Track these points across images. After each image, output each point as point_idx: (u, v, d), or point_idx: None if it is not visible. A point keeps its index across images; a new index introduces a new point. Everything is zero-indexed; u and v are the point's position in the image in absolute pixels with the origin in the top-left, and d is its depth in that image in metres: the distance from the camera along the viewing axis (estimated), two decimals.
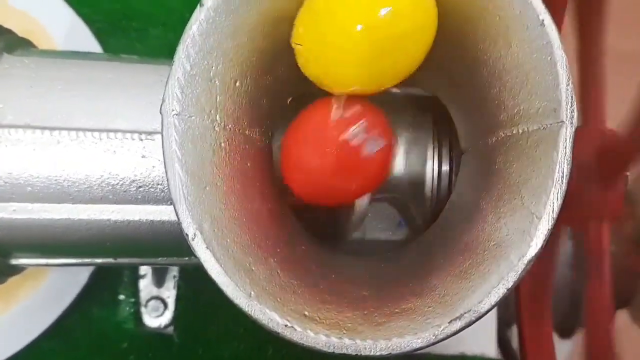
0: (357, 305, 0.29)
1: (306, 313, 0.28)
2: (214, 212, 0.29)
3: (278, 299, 0.28)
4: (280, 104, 0.34)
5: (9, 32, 0.39)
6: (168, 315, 0.50)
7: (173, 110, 0.28)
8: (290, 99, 0.35)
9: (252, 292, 0.27)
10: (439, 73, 0.34)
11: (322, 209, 0.36)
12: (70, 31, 0.51)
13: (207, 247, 0.27)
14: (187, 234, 0.28)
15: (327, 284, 0.30)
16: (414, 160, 0.37)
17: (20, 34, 0.40)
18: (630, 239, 0.54)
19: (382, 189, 0.34)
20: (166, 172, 0.28)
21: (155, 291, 0.50)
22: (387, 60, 0.29)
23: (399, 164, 0.37)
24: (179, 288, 0.50)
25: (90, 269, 0.49)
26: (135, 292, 0.50)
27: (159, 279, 0.50)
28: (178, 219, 0.28)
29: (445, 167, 0.36)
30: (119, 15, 0.54)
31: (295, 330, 0.27)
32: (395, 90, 0.35)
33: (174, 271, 0.50)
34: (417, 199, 0.37)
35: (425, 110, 0.38)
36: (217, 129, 0.30)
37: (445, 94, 0.35)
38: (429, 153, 0.36)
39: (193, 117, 0.29)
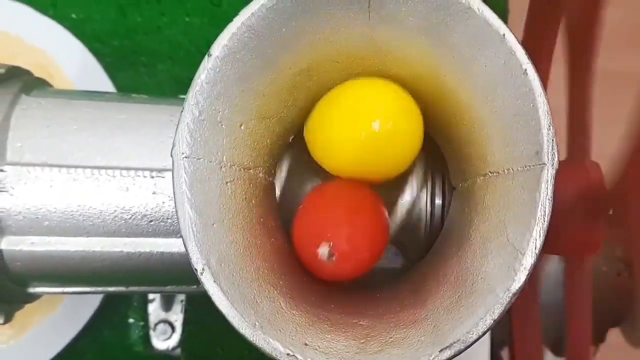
0: (354, 335, 0.31)
1: (307, 342, 0.30)
2: (220, 248, 0.31)
3: (280, 330, 0.30)
4: (283, 143, 0.36)
5: (27, 73, 0.41)
6: (175, 338, 0.52)
7: (183, 153, 0.31)
8: (293, 137, 0.37)
9: (257, 323, 0.29)
10: (431, 117, 0.36)
11: None
12: (82, 66, 0.53)
13: (214, 281, 0.30)
14: (196, 269, 0.30)
15: (327, 314, 0.32)
16: (409, 194, 0.39)
17: (34, 68, 0.42)
18: (621, 259, 0.56)
19: None
20: (176, 211, 0.30)
21: (163, 315, 0.52)
22: (380, 158, 0.34)
23: (394, 197, 0.39)
24: (186, 312, 0.52)
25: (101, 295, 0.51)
26: (144, 315, 0.52)
27: (167, 303, 0.52)
28: (188, 254, 0.30)
29: (438, 201, 0.38)
30: (128, 51, 0.56)
31: (297, 358, 0.29)
32: None
33: (181, 296, 0.52)
34: (412, 231, 0.39)
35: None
36: (223, 169, 0.32)
37: (438, 134, 0.37)
38: (423, 187, 0.38)
39: (201, 159, 0.31)
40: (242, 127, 0.33)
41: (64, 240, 0.37)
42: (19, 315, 0.48)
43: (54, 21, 0.54)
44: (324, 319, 0.32)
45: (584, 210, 0.38)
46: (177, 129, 0.31)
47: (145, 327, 0.52)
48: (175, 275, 0.39)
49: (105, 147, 0.37)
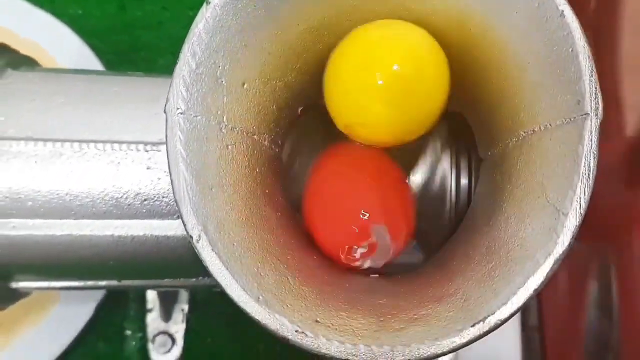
0: (372, 312, 0.27)
1: (318, 319, 0.26)
2: (219, 215, 0.27)
3: (288, 305, 0.26)
4: (290, 113, 0.33)
5: (14, 51, 0.39)
6: (176, 352, 0.48)
7: (178, 108, 0.27)
8: (301, 109, 0.34)
9: (261, 297, 0.26)
10: (456, 79, 0.32)
11: None
12: (79, 62, 0.51)
13: (212, 249, 0.26)
14: (191, 236, 0.26)
15: (341, 292, 0.28)
16: (432, 178, 0.35)
17: None
18: None
19: None
20: (170, 172, 0.27)
21: (162, 326, 0.48)
22: (406, 110, 0.30)
23: (418, 183, 0.35)
24: (187, 322, 0.48)
25: (96, 300, 0.47)
26: (142, 326, 0.48)
27: (167, 313, 0.48)
28: (182, 220, 0.26)
29: (464, 181, 0.35)
30: (127, 47, 0.54)
31: (307, 336, 0.25)
32: None
33: (182, 304, 0.48)
34: (435, 216, 0.35)
35: (441, 124, 0.36)
36: (223, 130, 0.29)
37: (461, 102, 0.34)
38: (447, 168, 0.35)
39: (199, 117, 0.28)
40: (244, 86, 0.30)
41: (49, 223, 0.33)
42: (3, 322, 0.44)
43: (51, 15, 0.51)
44: (338, 296, 0.28)
45: (627, 174, 0.35)
46: (171, 83, 0.28)
47: (143, 339, 0.48)
48: (172, 264, 0.35)
49: (94, 121, 0.34)
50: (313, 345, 0.25)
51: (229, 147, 0.29)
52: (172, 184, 0.27)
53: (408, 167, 0.35)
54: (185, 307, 0.48)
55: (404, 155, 0.35)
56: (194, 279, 0.37)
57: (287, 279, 0.27)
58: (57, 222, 0.33)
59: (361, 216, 0.31)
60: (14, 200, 0.33)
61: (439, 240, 0.36)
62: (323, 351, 0.25)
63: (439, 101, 0.30)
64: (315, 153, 0.35)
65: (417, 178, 0.35)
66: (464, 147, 0.35)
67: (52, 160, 0.33)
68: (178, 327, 0.48)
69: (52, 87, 0.35)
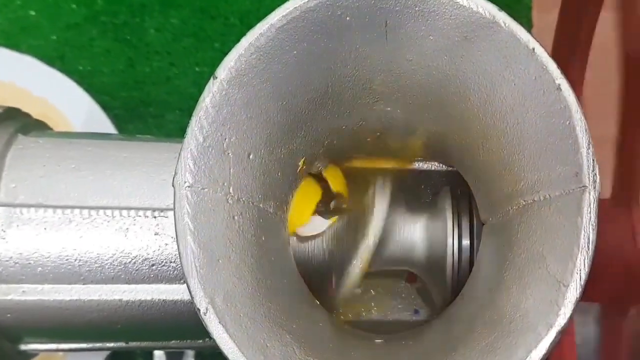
0: None
1: None
2: (227, 286, 0.28)
3: None
4: (295, 177, 0.33)
5: (25, 115, 0.39)
6: None
7: (185, 182, 0.28)
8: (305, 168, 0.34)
9: None
10: (456, 147, 0.33)
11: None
12: (89, 118, 0.51)
13: (219, 322, 0.26)
14: (199, 309, 0.27)
15: None
16: (434, 237, 0.36)
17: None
18: None
19: (401, 262, 0.33)
20: (178, 245, 0.27)
21: None
22: None
23: (419, 242, 0.36)
24: None
25: (103, 356, 0.48)
26: None
27: None
28: (190, 293, 0.27)
29: (466, 242, 0.35)
30: (136, 102, 0.55)
31: None
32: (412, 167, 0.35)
33: (189, 358, 0.48)
34: (438, 276, 0.36)
35: (443, 185, 0.37)
36: (230, 201, 0.29)
37: (463, 166, 0.34)
38: (449, 228, 0.35)
39: (206, 190, 0.28)
40: (250, 157, 0.30)
41: (58, 288, 0.34)
42: None
43: (60, 73, 0.52)
44: None
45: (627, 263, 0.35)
46: (179, 156, 0.28)
47: None
48: (179, 327, 0.35)
49: (104, 186, 0.34)
50: None
51: (235, 217, 0.29)
52: (180, 257, 0.27)
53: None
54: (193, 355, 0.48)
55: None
56: (201, 341, 0.37)
57: (293, 349, 0.28)
58: (66, 287, 0.34)
59: None
60: (24, 266, 0.33)
61: (443, 300, 0.36)
62: None
63: None
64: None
65: (418, 234, 0.36)
66: (466, 206, 0.35)
67: (61, 226, 0.34)
68: None
69: (62, 152, 0.35)
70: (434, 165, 0.37)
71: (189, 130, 0.28)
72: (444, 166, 0.37)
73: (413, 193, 0.38)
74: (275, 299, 0.29)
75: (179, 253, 0.27)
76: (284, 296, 0.30)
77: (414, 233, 0.36)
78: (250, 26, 0.29)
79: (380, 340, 0.32)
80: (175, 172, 0.28)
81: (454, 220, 0.35)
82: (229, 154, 0.29)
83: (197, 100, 0.53)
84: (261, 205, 0.31)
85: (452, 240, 0.35)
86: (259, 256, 0.30)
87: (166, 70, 0.56)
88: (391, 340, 0.33)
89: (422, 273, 0.36)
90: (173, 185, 0.28)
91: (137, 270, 0.34)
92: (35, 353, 0.39)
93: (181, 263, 0.27)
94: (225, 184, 0.29)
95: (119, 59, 0.56)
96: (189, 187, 0.28)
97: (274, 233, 0.32)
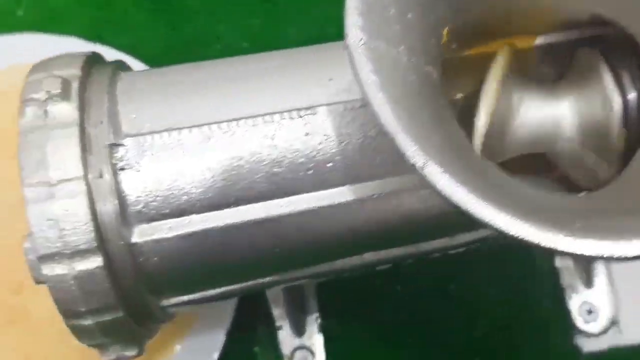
0: None
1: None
2: (432, 139, 0.25)
3: None
4: (439, 47, 0.31)
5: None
6: None
7: (361, 39, 0.25)
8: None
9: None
10: None
11: None
12: None
13: (443, 171, 0.23)
14: (414, 163, 0.23)
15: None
16: (587, 103, 0.32)
17: None
18: None
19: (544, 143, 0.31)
20: (371, 106, 0.24)
21: (297, 341, 0.44)
22: None
23: (567, 113, 0.33)
24: (324, 331, 0.44)
25: (225, 328, 0.44)
26: (274, 346, 0.45)
27: (299, 327, 0.44)
28: (400, 150, 0.24)
29: (632, 94, 0.32)
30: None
31: None
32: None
33: (312, 314, 0.45)
34: (599, 144, 0.32)
35: (592, 47, 0.34)
36: (404, 59, 0.26)
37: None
38: (607, 86, 0.32)
39: (381, 47, 0.25)
40: (409, 17, 0.27)
41: (207, 216, 0.30)
42: None
43: (108, 47, 0.49)
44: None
45: None
46: (345, 16, 0.25)
47: (279, 359, 0.44)
48: (348, 238, 0.32)
49: (236, 98, 0.31)
50: None
51: (411, 78, 0.27)
52: (376, 118, 0.24)
53: None
54: (318, 314, 0.44)
55: None
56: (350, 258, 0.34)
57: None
58: (215, 213, 0.30)
59: None
60: (166, 197, 0.30)
61: (605, 170, 0.33)
62: None
63: None
64: None
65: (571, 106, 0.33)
66: (626, 61, 0.32)
67: (200, 146, 0.30)
68: (314, 339, 0.44)
69: (176, 77, 0.33)
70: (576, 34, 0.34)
71: None
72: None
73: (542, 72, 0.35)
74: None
75: (375, 114, 0.24)
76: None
77: (556, 108, 0.33)
78: None
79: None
80: (346, 34, 0.25)
81: (613, 79, 0.32)
82: (391, 10, 0.27)
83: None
84: (428, 68, 0.28)
85: (614, 97, 0.32)
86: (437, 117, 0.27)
87: (213, 28, 0.53)
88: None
89: (572, 151, 0.33)
90: (347, 45, 0.25)
91: (292, 179, 0.30)
92: (173, 313, 0.35)
93: (381, 123, 0.24)
94: (396, 42, 0.26)
95: (159, 25, 0.52)
96: (364, 43, 0.25)
97: (441, 99, 0.29)
